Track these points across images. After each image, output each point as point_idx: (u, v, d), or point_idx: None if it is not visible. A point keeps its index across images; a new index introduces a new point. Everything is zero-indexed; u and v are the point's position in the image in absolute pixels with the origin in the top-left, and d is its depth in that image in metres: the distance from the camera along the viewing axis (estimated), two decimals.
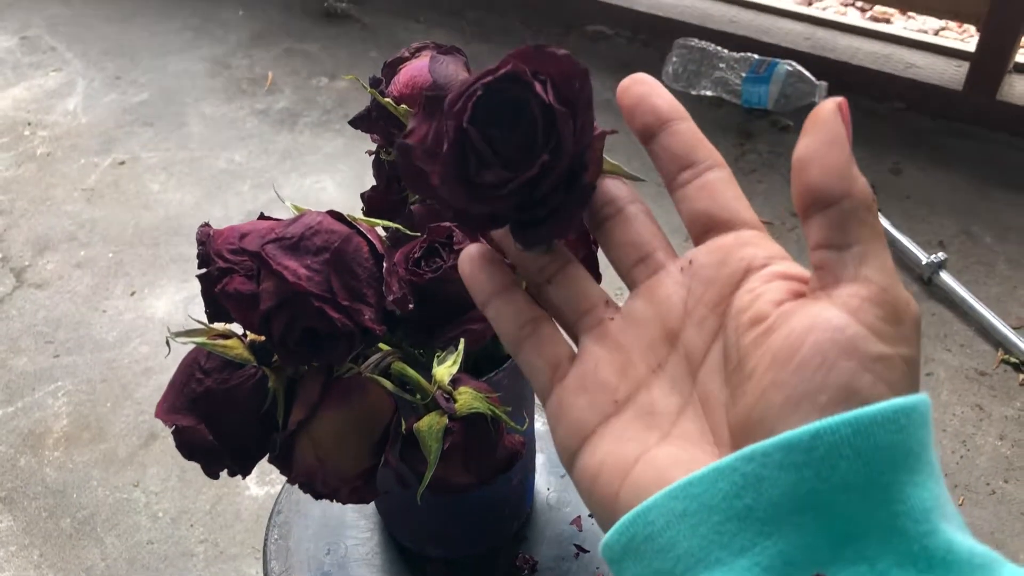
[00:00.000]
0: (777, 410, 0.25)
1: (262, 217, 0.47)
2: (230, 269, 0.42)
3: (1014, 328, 1.33)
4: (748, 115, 1.80)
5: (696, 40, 1.86)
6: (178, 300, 1.50)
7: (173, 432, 0.45)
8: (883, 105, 1.80)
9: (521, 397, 0.60)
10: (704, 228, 0.31)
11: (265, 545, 0.69)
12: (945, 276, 1.41)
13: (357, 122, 0.54)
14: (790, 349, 0.26)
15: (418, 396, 0.47)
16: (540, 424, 0.74)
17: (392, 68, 0.54)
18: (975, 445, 1.22)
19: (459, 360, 0.48)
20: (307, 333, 0.40)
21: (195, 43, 2.15)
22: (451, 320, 0.46)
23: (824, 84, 1.75)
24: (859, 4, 2.16)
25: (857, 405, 0.24)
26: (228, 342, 0.45)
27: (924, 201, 1.59)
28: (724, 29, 1.90)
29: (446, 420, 0.46)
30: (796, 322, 0.26)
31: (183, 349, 0.46)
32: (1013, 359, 1.31)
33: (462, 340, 0.47)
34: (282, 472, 0.46)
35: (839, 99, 0.27)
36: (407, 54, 0.54)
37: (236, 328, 0.46)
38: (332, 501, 0.45)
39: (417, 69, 0.52)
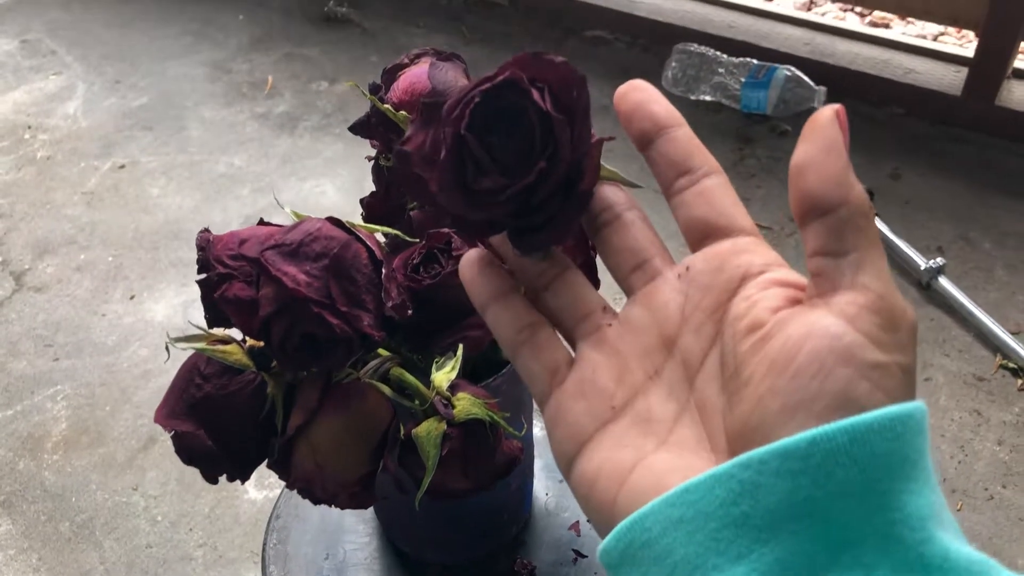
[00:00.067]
0: (774, 417, 0.25)
1: (261, 223, 0.47)
2: (229, 275, 0.42)
3: (1012, 333, 1.34)
4: (747, 120, 1.80)
5: (695, 45, 1.86)
6: (177, 304, 1.50)
7: (172, 437, 0.45)
8: (882, 110, 1.80)
9: (519, 403, 0.60)
10: (701, 235, 0.31)
11: (264, 550, 0.70)
12: (944, 281, 1.41)
13: (357, 128, 0.54)
14: (787, 356, 0.26)
15: (417, 402, 0.47)
16: (538, 429, 0.74)
17: (391, 74, 0.54)
18: (973, 450, 1.22)
19: (457, 366, 0.48)
20: (306, 339, 0.40)
21: (195, 47, 2.15)
22: (449, 326, 0.47)
23: (823, 89, 1.75)
24: (858, 9, 2.16)
25: (854, 412, 0.24)
26: (227, 348, 0.45)
27: (923, 206, 1.60)
28: (723, 34, 1.91)
29: (444, 426, 0.46)
30: (793, 329, 0.26)
31: (182, 354, 0.46)
32: (1011, 364, 1.31)
33: (460, 346, 0.47)
34: (281, 477, 0.46)
35: (836, 106, 0.27)
36: (406, 60, 0.54)
37: (235, 333, 0.46)
38: (331, 506, 0.45)
39: (416, 75, 0.52)
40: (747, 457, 0.25)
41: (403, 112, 0.51)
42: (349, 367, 0.46)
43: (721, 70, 1.82)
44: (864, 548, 0.24)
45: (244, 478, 0.46)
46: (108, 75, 2.07)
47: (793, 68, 1.77)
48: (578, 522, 0.70)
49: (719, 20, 1.96)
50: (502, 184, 0.30)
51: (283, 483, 0.46)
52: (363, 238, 0.42)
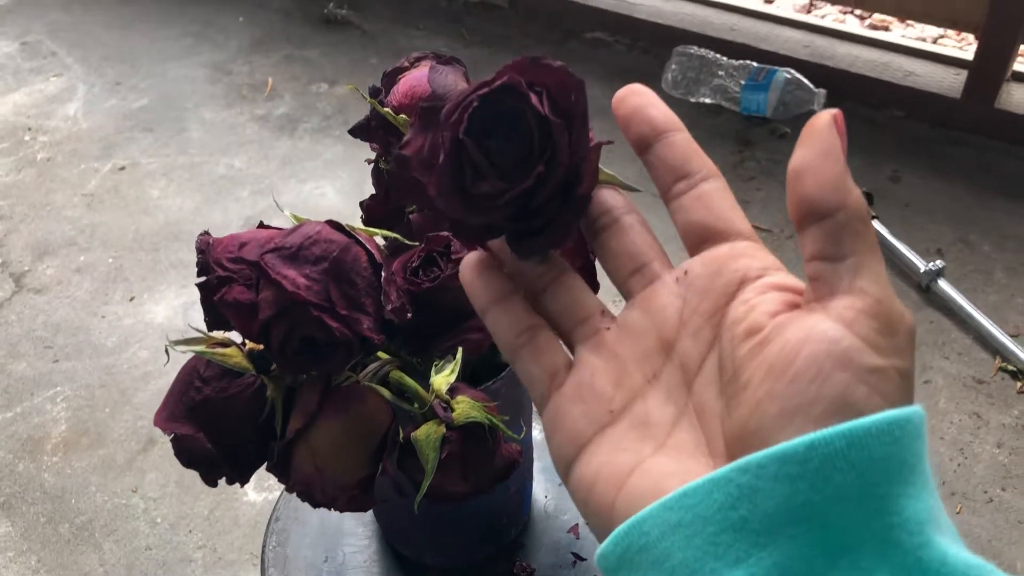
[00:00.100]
0: (772, 421, 0.26)
1: (261, 226, 0.47)
2: (229, 278, 0.43)
3: (1012, 336, 1.34)
4: (747, 122, 1.80)
5: (695, 48, 1.86)
6: (177, 305, 1.50)
7: (172, 440, 0.45)
8: (882, 113, 1.80)
9: (519, 406, 0.60)
10: (699, 239, 0.31)
11: (263, 552, 0.70)
12: (943, 284, 1.41)
13: (357, 131, 0.54)
14: (785, 361, 0.26)
15: (416, 405, 0.47)
16: (537, 432, 0.74)
17: (391, 78, 0.54)
18: (973, 453, 1.22)
19: (457, 369, 0.48)
20: (306, 342, 0.41)
21: (195, 49, 2.15)
22: (449, 329, 0.47)
23: (823, 92, 1.75)
24: (858, 12, 2.16)
25: (852, 417, 0.24)
26: (227, 351, 0.45)
27: (922, 209, 1.60)
28: (723, 37, 1.91)
29: (444, 429, 0.46)
30: (791, 334, 0.26)
31: (182, 356, 0.46)
32: (1011, 367, 1.31)
33: (460, 349, 0.48)
34: (280, 480, 0.46)
35: (834, 111, 0.27)
36: (406, 64, 0.54)
37: (235, 336, 0.46)
38: (330, 510, 0.45)
39: (416, 79, 0.52)
40: (745, 461, 0.25)
41: (403, 115, 0.51)
42: (348, 370, 0.46)
43: (721, 72, 1.82)
44: (862, 552, 0.24)
45: (243, 481, 0.46)
46: (108, 77, 2.07)
47: (793, 71, 1.77)
48: (577, 525, 0.70)
49: (719, 23, 1.97)
50: (500, 188, 0.30)
51: (282, 485, 0.46)
52: (363, 241, 0.43)
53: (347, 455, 0.44)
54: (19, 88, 2.05)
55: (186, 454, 0.45)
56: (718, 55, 1.84)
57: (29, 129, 1.93)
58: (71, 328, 1.48)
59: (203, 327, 0.46)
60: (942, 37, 2.09)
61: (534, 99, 0.29)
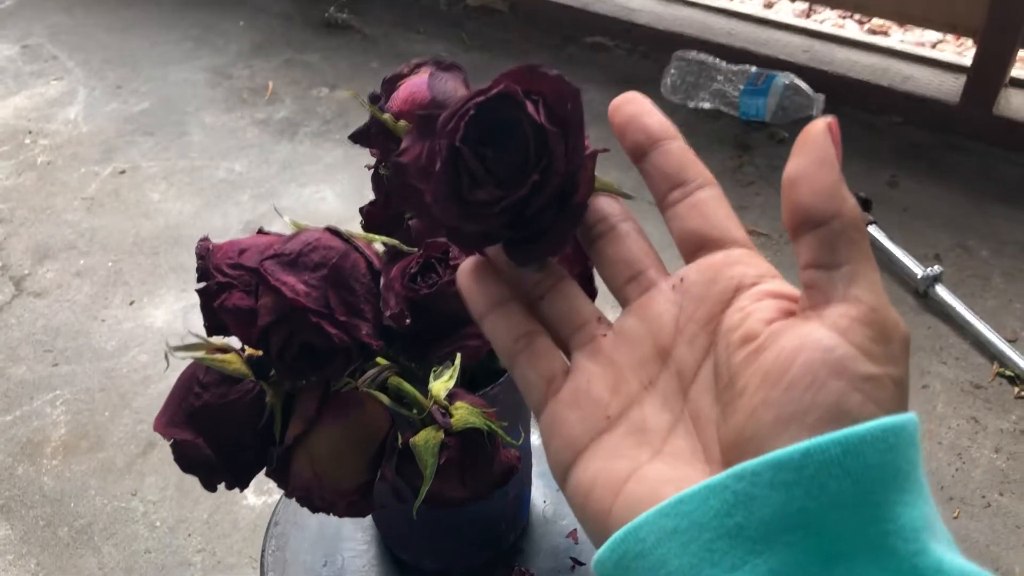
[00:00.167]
0: (767, 428, 0.26)
1: (261, 232, 0.47)
2: (229, 284, 0.43)
3: (1009, 341, 1.34)
4: (746, 127, 1.80)
5: (695, 52, 1.87)
6: (177, 309, 1.51)
7: (171, 446, 0.45)
8: (880, 118, 1.80)
9: (517, 411, 0.60)
10: (695, 246, 0.31)
11: (262, 556, 0.70)
12: (941, 289, 1.41)
13: (357, 137, 0.54)
14: (780, 368, 0.26)
15: (415, 411, 0.47)
16: (536, 438, 0.74)
17: (391, 84, 0.54)
18: (971, 458, 1.22)
19: (455, 375, 0.48)
20: (305, 348, 0.41)
21: (196, 53, 2.16)
22: (447, 335, 0.47)
23: (821, 97, 1.76)
24: (857, 17, 2.17)
25: (847, 424, 0.25)
26: (226, 357, 0.45)
27: (920, 214, 1.60)
28: (722, 41, 1.91)
29: (442, 435, 0.46)
30: (786, 341, 0.26)
31: (182, 360, 0.46)
32: (1008, 372, 1.31)
33: (458, 355, 0.48)
34: (279, 486, 0.46)
35: (829, 118, 0.27)
36: (406, 70, 0.55)
37: (234, 342, 0.47)
38: (329, 515, 0.46)
39: (416, 85, 0.52)
40: (741, 468, 0.25)
41: (403, 122, 0.51)
42: (347, 376, 0.46)
43: (720, 77, 1.82)
44: (858, 560, 0.24)
45: (243, 486, 0.46)
46: (109, 80, 2.08)
47: (792, 75, 1.77)
48: (576, 530, 0.70)
49: (718, 27, 1.97)
50: (496, 196, 0.30)
51: (282, 490, 0.46)
52: (361, 248, 0.43)
53: (346, 461, 0.45)
54: (20, 91, 2.06)
55: (186, 459, 0.45)
56: (717, 60, 1.85)
57: (30, 132, 1.93)
58: (71, 332, 1.48)
59: (203, 332, 0.47)
60: (941, 42, 2.09)
61: (530, 107, 0.30)
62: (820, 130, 0.27)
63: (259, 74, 2.07)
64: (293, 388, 0.46)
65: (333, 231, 0.43)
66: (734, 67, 1.83)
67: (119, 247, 1.64)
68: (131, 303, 1.52)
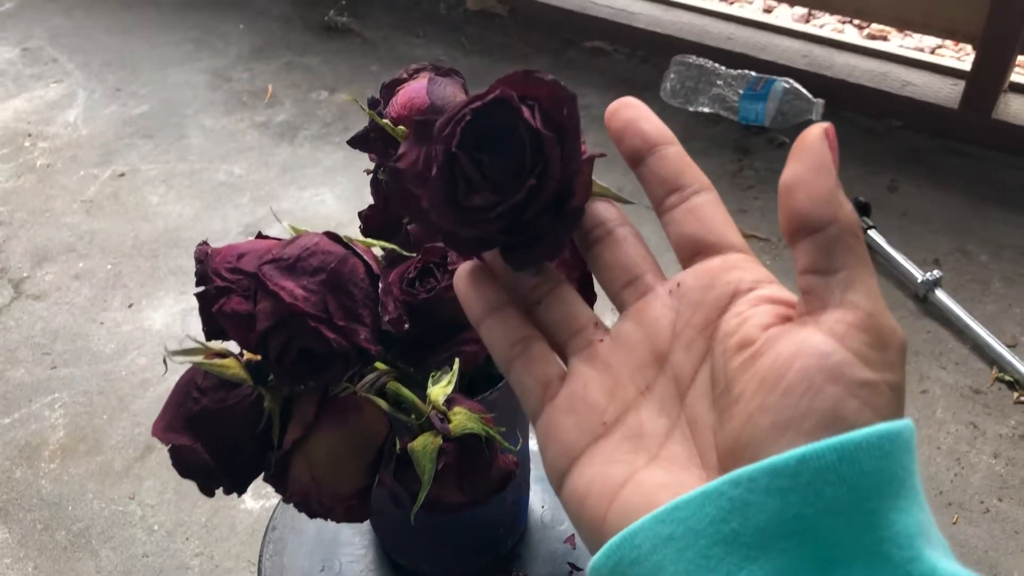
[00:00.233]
0: (764, 434, 0.26)
1: (260, 236, 0.47)
2: (228, 288, 0.43)
3: (1008, 346, 1.34)
4: (745, 132, 1.81)
5: (694, 57, 1.87)
6: (176, 312, 1.51)
7: (170, 451, 0.45)
8: (880, 123, 1.81)
9: (515, 417, 0.60)
10: (692, 251, 0.31)
11: (260, 561, 0.70)
12: (940, 294, 1.41)
13: (356, 142, 0.54)
14: (777, 374, 0.26)
15: (413, 416, 0.47)
16: (534, 443, 0.74)
17: (390, 89, 0.54)
18: (969, 463, 1.22)
19: (454, 380, 0.48)
20: (303, 353, 0.41)
21: (196, 56, 2.16)
22: (445, 340, 0.47)
23: (821, 101, 1.76)
24: (856, 22, 2.17)
25: (843, 430, 0.25)
26: (225, 361, 0.45)
27: (920, 219, 1.60)
28: (722, 46, 1.91)
29: (440, 440, 0.46)
30: (783, 347, 0.27)
31: (181, 365, 0.46)
32: (1007, 377, 1.31)
33: (456, 360, 0.48)
34: (277, 491, 0.46)
35: (826, 124, 0.28)
36: (405, 75, 0.55)
37: (233, 347, 0.47)
38: (327, 520, 0.46)
39: (415, 90, 0.52)
40: (737, 474, 0.25)
41: (402, 127, 0.51)
42: (346, 381, 0.46)
43: (719, 82, 1.83)
44: (853, 566, 0.24)
45: (241, 491, 0.46)
46: (109, 83, 2.08)
47: (791, 80, 1.77)
48: (574, 535, 0.70)
49: (717, 32, 1.97)
50: (492, 201, 0.30)
51: (280, 494, 0.46)
52: (360, 252, 0.43)
53: (344, 466, 0.45)
54: (19, 94, 2.06)
55: (184, 464, 0.45)
56: (717, 64, 1.85)
57: (29, 135, 1.93)
58: (69, 334, 1.48)
59: (201, 335, 0.47)
60: (940, 47, 2.10)
61: (526, 113, 0.30)
62: (817, 136, 0.27)
63: (259, 77, 2.07)
64: (291, 393, 0.46)
65: (332, 236, 0.43)
66: (733, 72, 1.83)
67: (118, 250, 1.64)
68: (130, 306, 1.52)
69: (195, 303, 0.45)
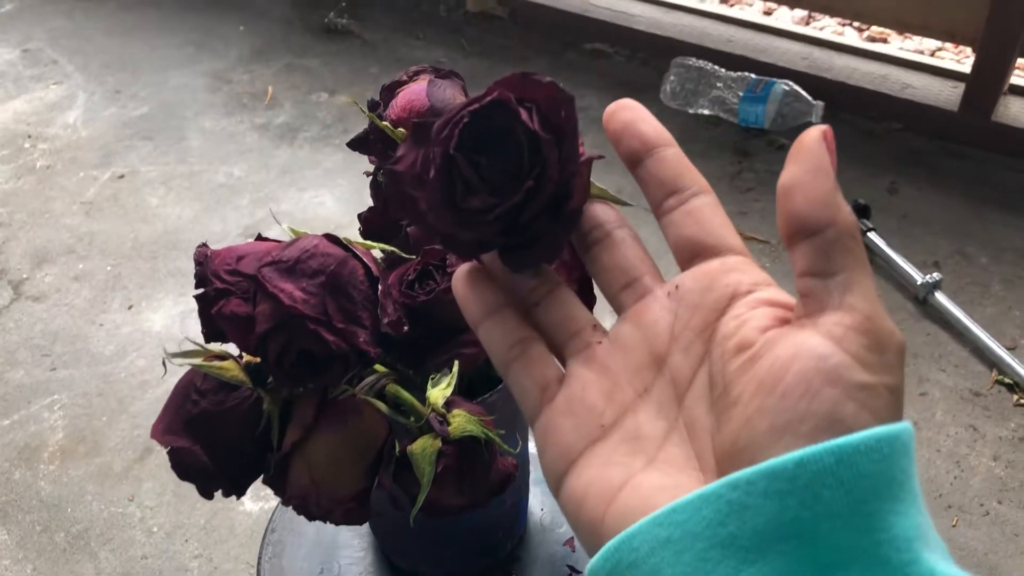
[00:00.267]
0: (762, 437, 0.26)
1: (259, 238, 0.47)
2: (227, 290, 0.43)
3: (1008, 349, 1.34)
4: (745, 134, 1.81)
5: (694, 59, 1.87)
6: (175, 314, 1.51)
7: (168, 453, 0.45)
8: (880, 125, 1.81)
9: (515, 419, 0.60)
10: (691, 254, 0.31)
11: (259, 563, 0.70)
12: (940, 296, 1.41)
13: (355, 144, 0.55)
14: (775, 376, 0.26)
15: (412, 418, 0.47)
16: (533, 446, 0.74)
17: (390, 91, 0.54)
18: (969, 466, 1.22)
19: (453, 382, 0.48)
20: (303, 355, 0.41)
21: (196, 58, 2.16)
22: (445, 342, 0.47)
23: (821, 104, 1.76)
24: (856, 24, 2.17)
25: (841, 433, 0.25)
26: (224, 364, 0.45)
27: (920, 221, 1.60)
28: (722, 48, 1.92)
29: (440, 443, 0.46)
30: (781, 349, 0.27)
31: (180, 367, 0.46)
32: (1007, 380, 1.31)
33: (456, 362, 0.48)
34: (276, 494, 0.46)
35: (824, 127, 0.27)
36: (405, 77, 0.55)
37: (232, 349, 0.47)
38: (326, 522, 0.45)
39: (415, 93, 0.52)
40: (735, 477, 0.25)
41: (401, 129, 0.51)
42: (345, 383, 0.46)
43: (719, 84, 1.83)
44: (851, 570, 0.24)
45: (240, 494, 0.46)
46: (109, 84, 2.08)
47: (791, 83, 1.77)
48: (573, 538, 0.70)
49: (717, 34, 1.97)
50: (490, 203, 0.30)
51: (279, 497, 0.46)
52: (360, 255, 0.43)
53: (343, 468, 0.45)
54: (19, 95, 2.06)
55: (183, 467, 0.45)
56: (716, 67, 1.85)
57: (29, 137, 1.93)
58: (69, 336, 1.48)
59: (200, 337, 0.47)
60: (940, 50, 2.10)
61: (524, 115, 0.30)
62: (815, 139, 0.27)
63: (259, 79, 2.07)
64: (290, 395, 0.46)
65: (331, 238, 0.43)
66: (733, 74, 1.83)
67: (118, 251, 1.64)
68: (129, 308, 1.52)
69: (194, 305, 0.45)
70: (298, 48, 2.17)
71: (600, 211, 0.33)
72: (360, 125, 0.54)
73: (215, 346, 0.47)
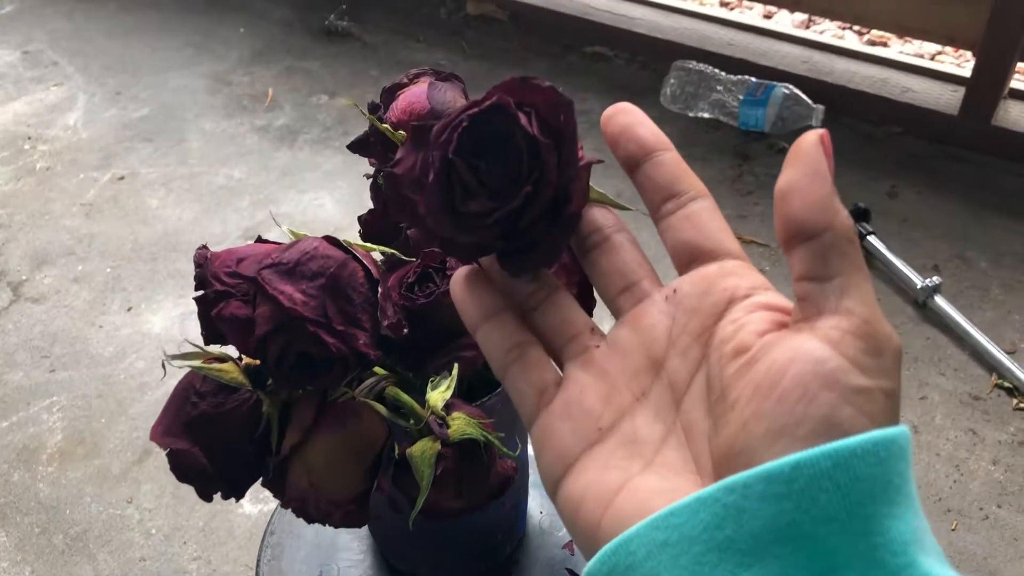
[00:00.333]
0: (759, 441, 0.26)
1: (259, 240, 0.47)
2: (227, 292, 0.43)
3: (1008, 353, 1.34)
4: (745, 137, 1.81)
5: (694, 62, 1.87)
6: (175, 316, 1.51)
7: (168, 455, 0.46)
8: (880, 129, 1.81)
9: (514, 422, 0.60)
10: (688, 258, 0.31)
11: (258, 566, 0.70)
12: (940, 300, 1.41)
13: (355, 147, 0.55)
14: (772, 380, 0.26)
15: (412, 421, 0.47)
16: (533, 449, 0.74)
17: (390, 94, 0.54)
18: (968, 470, 1.22)
19: (452, 385, 0.48)
20: (302, 358, 0.41)
21: (196, 59, 2.16)
22: (444, 345, 0.47)
23: (821, 107, 1.76)
24: (856, 28, 2.18)
25: (838, 437, 0.25)
26: (223, 366, 0.45)
27: (919, 225, 1.60)
28: (722, 52, 1.92)
29: (439, 446, 0.46)
30: (778, 353, 0.27)
31: (179, 369, 0.46)
32: (1007, 384, 1.31)
33: (455, 365, 0.48)
34: (275, 496, 0.46)
35: (821, 131, 0.28)
36: (405, 80, 0.55)
37: (232, 351, 0.47)
38: (325, 525, 0.46)
39: (415, 95, 0.53)
40: (731, 481, 0.25)
41: (401, 132, 0.51)
42: (344, 386, 0.46)
43: (719, 87, 1.83)
44: (847, 573, 0.24)
45: (239, 496, 0.46)
46: (109, 86, 2.08)
47: (791, 86, 1.78)
48: (572, 541, 0.70)
49: (717, 38, 1.98)
50: (489, 207, 0.30)
51: (278, 499, 0.46)
52: (360, 257, 0.43)
53: (342, 471, 0.45)
54: (20, 97, 2.06)
55: (182, 469, 0.46)
56: (717, 70, 1.85)
57: (29, 138, 1.93)
58: (68, 338, 1.48)
59: (200, 339, 0.47)
60: (940, 54, 2.10)
61: (523, 119, 0.30)
62: (812, 142, 0.27)
63: (259, 81, 2.07)
64: (290, 397, 0.46)
65: (331, 240, 0.43)
66: (733, 77, 1.83)
67: (117, 253, 1.64)
68: (129, 309, 1.52)
69: (194, 307, 0.45)
70: (298, 50, 2.17)
71: (599, 215, 0.33)
72: (360, 127, 0.54)
73: (215, 348, 0.47)
